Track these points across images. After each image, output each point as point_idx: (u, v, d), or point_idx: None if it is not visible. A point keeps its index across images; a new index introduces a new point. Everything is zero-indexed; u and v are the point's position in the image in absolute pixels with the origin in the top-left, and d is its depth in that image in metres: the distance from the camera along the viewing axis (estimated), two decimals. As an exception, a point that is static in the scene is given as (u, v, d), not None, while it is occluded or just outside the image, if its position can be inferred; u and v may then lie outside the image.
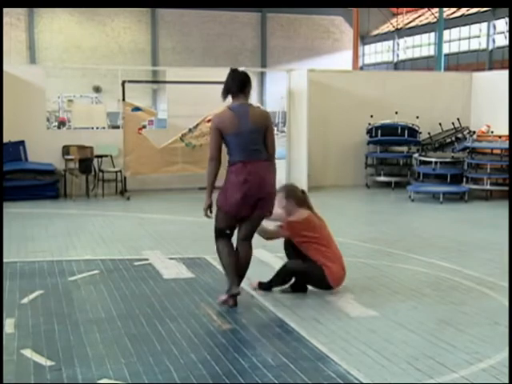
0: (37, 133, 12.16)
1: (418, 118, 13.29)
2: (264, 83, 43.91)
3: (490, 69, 31.23)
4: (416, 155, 12.55)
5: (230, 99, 5.29)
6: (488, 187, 11.92)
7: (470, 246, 7.81)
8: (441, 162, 11.96)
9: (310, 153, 12.82)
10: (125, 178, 12.25)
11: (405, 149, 13.50)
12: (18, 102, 11.86)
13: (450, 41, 37.60)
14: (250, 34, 44.91)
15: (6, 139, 11.57)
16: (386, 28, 44.68)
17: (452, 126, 13.57)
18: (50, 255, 7.14)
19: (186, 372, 3.91)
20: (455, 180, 12.05)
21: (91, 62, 39.26)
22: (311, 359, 4.11)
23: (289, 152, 13.64)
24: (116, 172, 12.37)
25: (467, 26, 37.37)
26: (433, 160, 12.00)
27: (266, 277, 5.72)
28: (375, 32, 45.48)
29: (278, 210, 5.67)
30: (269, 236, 5.65)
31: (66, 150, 12.30)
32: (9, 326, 4.71)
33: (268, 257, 6.89)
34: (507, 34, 32.74)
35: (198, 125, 12.31)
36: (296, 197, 5.61)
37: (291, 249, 5.66)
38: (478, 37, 36.47)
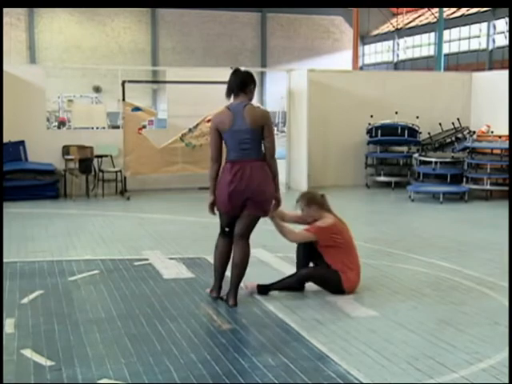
0: (37, 133, 12.16)
1: (418, 117, 13.29)
2: (264, 83, 43.90)
3: (490, 69, 31.23)
4: (416, 155, 12.55)
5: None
6: (488, 187, 11.92)
7: (470, 246, 7.81)
8: (441, 162, 11.96)
9: (310, 153, 12.83)
10: (125, 177, 12.25)
11: (405, 149, 13.50)
12: (18, 102, 11.86)
13: (449, 41, 37.61)
14: (250, 33, 44.92)
15: (6, 139, 11.57)
16: (386, 28, 44.70)
17: (452, 126, 13.57)
18: (50, 255, 7.14)
19: (186, 372, 3.91)
20: (455, 180, 12.05)
21: (91, 62, 39.27)
22: (311, 359, 4.11)
23: (289, 152, 13.64)
24: (116, 172, 12.37)
25: (467, 26, 37.38)
26: (433, 160, 12.00)
27: (266, 277, 5.71)
28: (375, 32, 45.49)
29: (296, 213, 5.67)
30: (294, 238, 5.60)
31: (65, 149, 12.30)
32: (9, 325, 4.71)
33: (268, 257, 6.89)
34: (507, 34, 32.74)
35: (198, 125, 12.30)
36: (317, 202, 5.61)
37: (305, 251, 5.64)
38: (478, 37, 36.48)
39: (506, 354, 4.17)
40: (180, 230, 8.76)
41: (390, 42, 44.13)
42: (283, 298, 5.42)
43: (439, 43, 32.45)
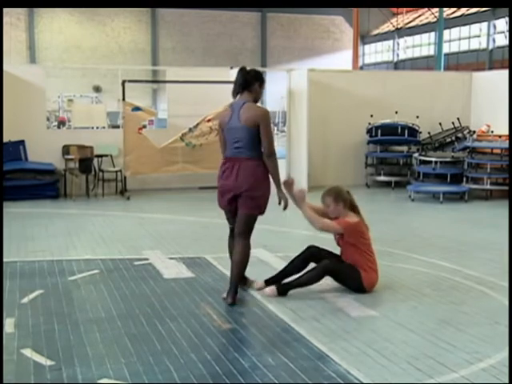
0: (37, 132, 12.15)
1: (418, 117, 13.29)
2: (264, 83, 43.83)
3: (490, 68, 31.22)
4: (416, 155, 12.54)
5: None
6: (488, 187, 11.92)
7: (470, 246, 7.81)
8: (441, 162, 11.96)
9: (310, 152, 12.82)
10: (125, 177, 12.25)
11: (405, 148, 13.49)
12: (17, 102, 11.86)
13: (449, 40, 37.60)
14: (250, 33, 44.92)
15: (6, 139, 11.57)
16: (386, 28, 44.69)
17: (452, 126, 13.57)
18: (50, 255, 7.14)
19: (186, 372, 3.91)
20: (455, 180, 12.04)
21: (91, 62, 39.28)
22: (311, 359, 4.11)
23: (289, 152, 13.63)
24: (116, 172, 12.36)
25: (467, 26, 37.37)
26: (433, 160, 11.99)
27: (267, 277, 5.70)
28: (375, 32, 45.49)
29: (318, 206, 5.65)
30: (321, 225, 5.53)
31: (66, 149, 12.30)
32: (9, 325, 4.71)
33: (268, 257, 6.89)
34: (507, 34, 32.73)
35: (198, 124, 12.29)
36: (344, 200, 5.58)
37: (306, 256, 5.62)
38: (478, 36, 36.47)
39: (506, 353, 4.17)
40: (180, 230, 8.76)
41: (390, 42, 44.12)
42: (283, 298, 5.42)
43: (439, 43, 32.45)
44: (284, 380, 3.78)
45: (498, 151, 11.98)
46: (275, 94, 25.98)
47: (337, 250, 5.73)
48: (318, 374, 3.87)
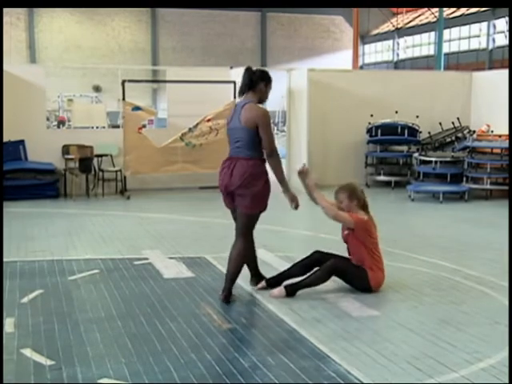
0: (37, 132, 12.15)
1: (417, 117, 13.28)
2: (264, 83, 43.79)
3: (490, 68, 31.20)
4: (416, 154, 12.54)
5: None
6: (488, 186, 11.92)
7: (470, 246, 7.81)
8: (441, 162, 11.95)
9: (310, 152, 12.82)
10: (125, 177, 12.25)
11: (405, 148, 13.49)
12: (17, 102, 11.86)
13: (449, 40, 37.57)
14: (250, 33, 44.89)
15: (5, 138, 11.57)
16: (386, 27, 44.66)
17: (452, 126, 13.57)
18: (50, 254, 7.14)
19: (186, 372, 3.90)
20: (455, 179, 12.04)
21: (91, 62, 39.25)
22: (312, 359, 4.11)
23: (289, 151, 13.64)
24: (116, 171, 12.36)
25: (467, 26, 37.35)
26: (433, 159, 11.99)
27: (267, 276, 5.70)
28: (375, 31, 45.46)
29: (331, 200, 5.65)
30: (334, 215, 5.54)
31: (65, 149, 12.30)
32: (9, 325, 4.71)
33: (268, 256, 6.88)
34: (507, 34, 32.72)
35: (197, 124, 12.29)
36: (358, 198, 5.62)
37: (311, 261, 5.63)
38: (478, 36, 36.45)
39: (505, 353, 4.17)
40: (180, 230, 8.76)
41: (390, 42, 44.08)
42: (284, 298, 5.41)
43: (439, 42, 32.43)
44: (284, 380, 3.78)
45: (498, 151, 11.98)
46: (275, 93, 25.85)
47: (342, 254, 5.72)
48: (318, 374, 3.87)
